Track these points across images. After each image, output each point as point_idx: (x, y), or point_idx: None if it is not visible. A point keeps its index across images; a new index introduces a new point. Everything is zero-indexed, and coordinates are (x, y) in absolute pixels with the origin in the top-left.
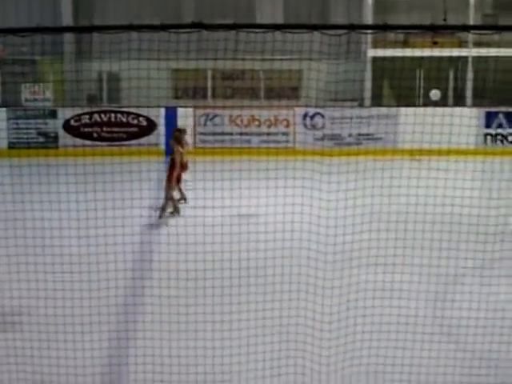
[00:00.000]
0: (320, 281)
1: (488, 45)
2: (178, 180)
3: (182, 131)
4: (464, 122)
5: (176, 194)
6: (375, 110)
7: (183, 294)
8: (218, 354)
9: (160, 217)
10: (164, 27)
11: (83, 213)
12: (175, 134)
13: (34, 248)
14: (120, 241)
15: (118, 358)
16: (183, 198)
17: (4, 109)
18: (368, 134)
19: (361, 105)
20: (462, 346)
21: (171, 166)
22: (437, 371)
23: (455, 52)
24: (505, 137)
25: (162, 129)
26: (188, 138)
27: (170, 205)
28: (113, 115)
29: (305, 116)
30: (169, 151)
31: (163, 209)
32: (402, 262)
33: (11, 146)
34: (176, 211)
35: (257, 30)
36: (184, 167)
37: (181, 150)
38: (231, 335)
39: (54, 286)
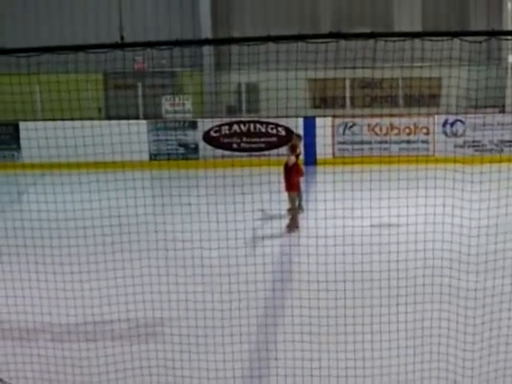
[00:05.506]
0: (463, 291)
1: None
2: (298, 187)
3: (301, 138)
4: None
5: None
6: None
7: (323, 305)
8: (360, 366)
9: (290, 228)
10: (302, 37)
11: (223, 225)
12: (294, 141)
13: (174, 259)
14: (259, 252)
15: (258, 370)
16: (300, 206)
17: (145, 121)
18: (510, 141)
19: (502, 111)
20: None
21: (287, 175)
22: None
23: None
24: None
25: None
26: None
27: (293, 215)
28: (252, 125)
29: (445, 123)
30: (309, 160)
31: (293, 218)
32: None
33: (152, 157)
34: (295, 225)
35: (395, 39)
36: (300, 173)
37: (292, 158)
38: (373, 346)
39: (195, 298)
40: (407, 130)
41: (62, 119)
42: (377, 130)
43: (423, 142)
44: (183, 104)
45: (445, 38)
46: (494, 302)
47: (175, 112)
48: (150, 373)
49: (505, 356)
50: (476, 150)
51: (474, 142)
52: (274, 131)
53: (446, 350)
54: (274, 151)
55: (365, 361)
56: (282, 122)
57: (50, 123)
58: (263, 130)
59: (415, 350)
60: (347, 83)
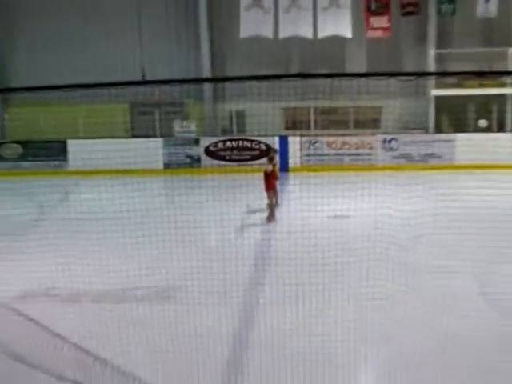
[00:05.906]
0: (396, 264)
1: None
2: (274, 188)
3: (277, 151)
4: (506, 144)
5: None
6: (437, 136)
7: (294, 275)
8: (320, 314)
9: (269, 219)
10: (276, 77)
11: (218, 215)
12: (272, 154)
13: (183, 242)
14: (246, 236)
15: (245, 322)
16: (276, 202)
17: (160, 139)
18: (432, 154)
19: (426, 132)
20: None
21: (266, 179)
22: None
23: (497, 91)
24: None
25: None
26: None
27: (271, 209)
28: (240, 142)
29: (384, 141)
30: (283, 168)
31: (271, 211)
32: (458, 250)
33: (165, 166)
34: (272, 216)
35: (347, 78)
36: (276, 177)
37: (270, 166)
38: (330, 305)
39: (198, 270)
40: (356, 146)
41: (99, 138)
42: (333, 145)
43: (368, 154)
44: (189, 126)
45: (384, 77)
46: (419, 272)
47: (183, 132)
48: (165, 326)
49: (427, 307)
50: (407, 161)
51: (405, 154)
52: (257, 146)
53: (386, 303)
54: (257, 161)
55: (325, 311)
56: (263, 139)
57: (90, 141)
58: (249, 145)
59: (366, 303)
60: (311, 110)
